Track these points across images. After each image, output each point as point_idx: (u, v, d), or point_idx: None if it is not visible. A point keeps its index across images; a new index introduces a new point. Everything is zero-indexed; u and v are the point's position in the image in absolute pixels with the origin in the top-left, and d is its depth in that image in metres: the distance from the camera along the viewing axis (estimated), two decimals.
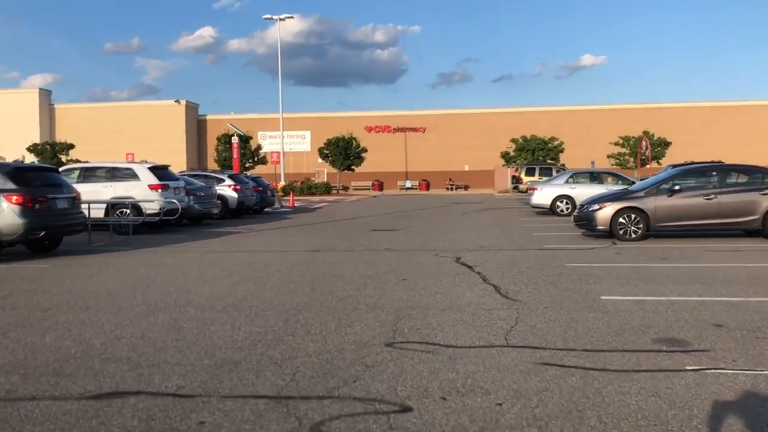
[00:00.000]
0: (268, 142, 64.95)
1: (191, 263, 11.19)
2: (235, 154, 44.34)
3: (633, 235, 13.68)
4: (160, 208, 16.96)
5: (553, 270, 9.76)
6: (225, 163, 50.61)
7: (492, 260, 11.01)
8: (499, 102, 75.17)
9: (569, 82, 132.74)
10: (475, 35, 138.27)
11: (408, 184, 67.00)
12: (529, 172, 37.56)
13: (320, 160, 60.31)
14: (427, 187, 66.39)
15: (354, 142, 55.88)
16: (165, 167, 19.13)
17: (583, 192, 22.21)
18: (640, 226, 13.66)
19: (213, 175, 24.52)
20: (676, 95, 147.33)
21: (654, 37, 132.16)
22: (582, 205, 14.86)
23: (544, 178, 36.91)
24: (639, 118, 58.46)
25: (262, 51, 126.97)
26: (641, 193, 13.97)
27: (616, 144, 50.48)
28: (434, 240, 14.81)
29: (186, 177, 21.36)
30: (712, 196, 13.41)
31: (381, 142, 66.97)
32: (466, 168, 67.45)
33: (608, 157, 49.97)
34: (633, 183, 22.13)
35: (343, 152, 55.30)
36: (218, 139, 54.01)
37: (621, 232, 13.75)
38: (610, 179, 22.67)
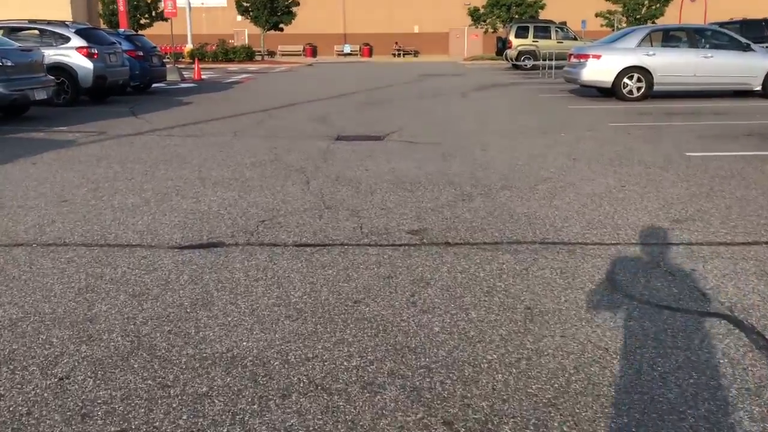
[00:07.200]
0: None
1: None
2: (122, 6, 32.81)
3: None
4: None
5: None
6: (112, 20, 38.78)
7: None
8: None
9: None
10: None
11: (347, 48, 56.11)
12: (521, 33, 28.22)
13: (239, 18, 48.52)
14: (370, 53, 55.77)
15: None
16: None
17: (668, 62, 13.56)
18: None
19: (46, 28, 14.26)
20: None
21: None
22: None
23: (539, 41, 28.04)
24: None
25: None
26: None
27: None
28: (503, 179, 6.07)
29: None
30: None
31: None
32: (416, 30, 56.86)
33: (596, 15, 40.86)
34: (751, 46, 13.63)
35: (268, 5, 43.65)
36: None
37: None
38: (713, 41, 13.96)
